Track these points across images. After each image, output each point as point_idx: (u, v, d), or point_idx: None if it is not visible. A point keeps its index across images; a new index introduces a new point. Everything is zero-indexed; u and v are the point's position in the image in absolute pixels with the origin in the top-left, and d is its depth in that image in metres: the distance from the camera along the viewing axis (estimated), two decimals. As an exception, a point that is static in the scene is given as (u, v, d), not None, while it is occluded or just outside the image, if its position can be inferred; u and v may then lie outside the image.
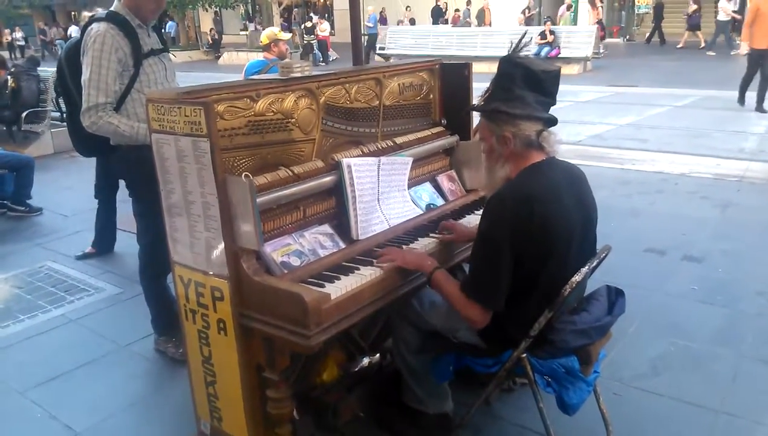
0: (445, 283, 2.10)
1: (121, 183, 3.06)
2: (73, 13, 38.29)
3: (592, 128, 8.79)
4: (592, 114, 9.86)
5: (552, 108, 2.02)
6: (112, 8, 2.83)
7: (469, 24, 21.86)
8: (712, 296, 3.67)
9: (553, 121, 2.00)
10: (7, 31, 30.63)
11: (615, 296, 2.19)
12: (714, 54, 17.71)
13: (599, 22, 18.87)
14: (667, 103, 10.47)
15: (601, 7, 19.74)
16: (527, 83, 1.94)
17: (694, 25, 19.78)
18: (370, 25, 20.60)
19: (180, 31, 31.04)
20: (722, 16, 17.49)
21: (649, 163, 6.78)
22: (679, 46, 19.75)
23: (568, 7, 19.81)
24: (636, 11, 24.48)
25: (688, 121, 9.04)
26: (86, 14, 4.58)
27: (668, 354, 3.08)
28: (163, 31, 3.14)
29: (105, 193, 4.57)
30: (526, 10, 21.34)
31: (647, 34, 22.26)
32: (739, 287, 3.77)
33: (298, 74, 2.27)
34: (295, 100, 2.26)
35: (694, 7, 19.56)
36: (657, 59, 17.54)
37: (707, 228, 4.77)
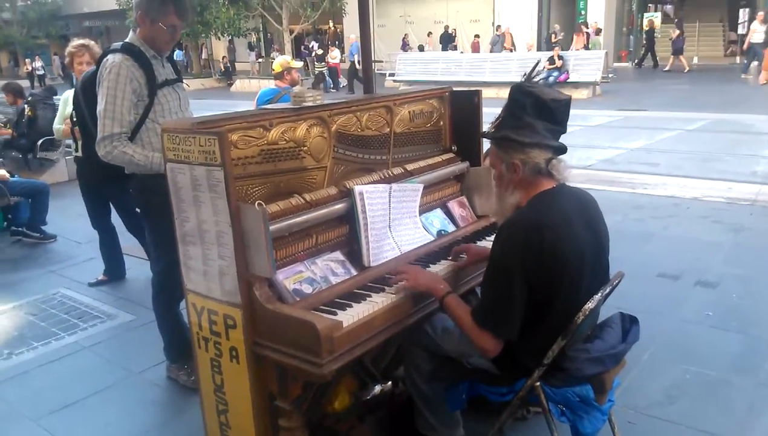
0: (457, 308, 2.09)
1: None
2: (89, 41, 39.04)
3: (603, 152, 8.80)
4: (602, 138, 9.87)
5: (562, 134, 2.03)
6: (127, 40, 2.89)
7: (489, 50, 21.59)
8: (727, 321, 3.63)
9: (562, 150, 2.01)
10: (27, 60, 31.19)
11: (629, 324, 2.17)
12: (745, 77, 17.41)
13: (585, 48, 18.77)
14: (678, 127, 10.47)
15: (587, 32, 19.82)
16: (537, 111, 1.95)
17: (677, 49, 19.78)
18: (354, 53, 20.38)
19: (193, 59, 31.55)
20: (755, 39, 17.17)
21: (660, 187, 6.76)
22: (686, 70, 19.74)
23: (597, 32, 19.64)
24: (644, 35, 24.59)
25: (698, 144, 9.03)
26: (76, 41, 4.64)
27: (683, 382, 3.04)
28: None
29: (100, 221, 4.63)
30: (553, 35, 21.37)
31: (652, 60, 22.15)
32: (754, 312, 3.72)
33: (310, 103, 2.31)
34: (307, 129, 2.29)
35: (678, 31, 19.68)
36: (665, 83, 17.58)
37: (720, 253, 4.74)
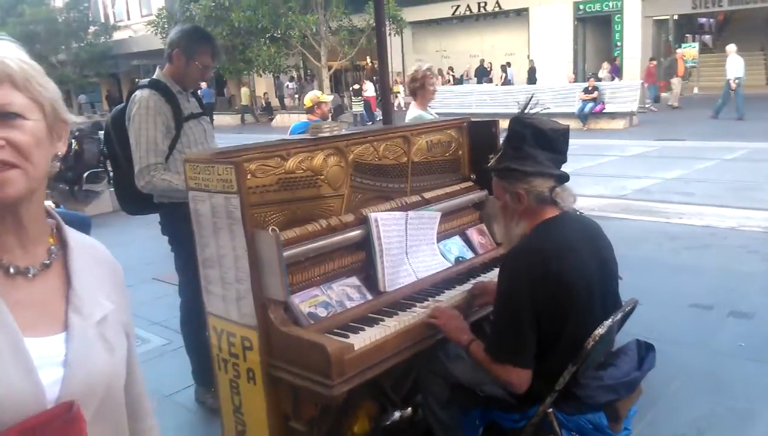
0: (481, 354, 2.08)
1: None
2: (136, 79, 40.56)
3: (638, 182, 8.69)
4: (638, 168, 9.75)
5: (567, 163, 2.06)
6: (154, 76, 3.06)
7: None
8: (760, 353, 3.53)
9: (565, 178, 2.04)
10: None
11: (645, 351, 2.16)
12: None
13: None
14: (716, 157, 10.27)
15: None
16: (537, 142, 1.99)
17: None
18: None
19: (235, 95, 32.35)
20: None
21: (696, 217, 6.64)
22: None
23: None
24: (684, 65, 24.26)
25: (737, 174, 8.84)
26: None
27: (713, 414, 2.97)
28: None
29: None
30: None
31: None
32: (789, 344, 3.62)
33: (327, 134, 2.39)
34: (324, 158, 2.38)
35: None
36: (704, 113, 17.24)
37: (756, 283, 4.62)
